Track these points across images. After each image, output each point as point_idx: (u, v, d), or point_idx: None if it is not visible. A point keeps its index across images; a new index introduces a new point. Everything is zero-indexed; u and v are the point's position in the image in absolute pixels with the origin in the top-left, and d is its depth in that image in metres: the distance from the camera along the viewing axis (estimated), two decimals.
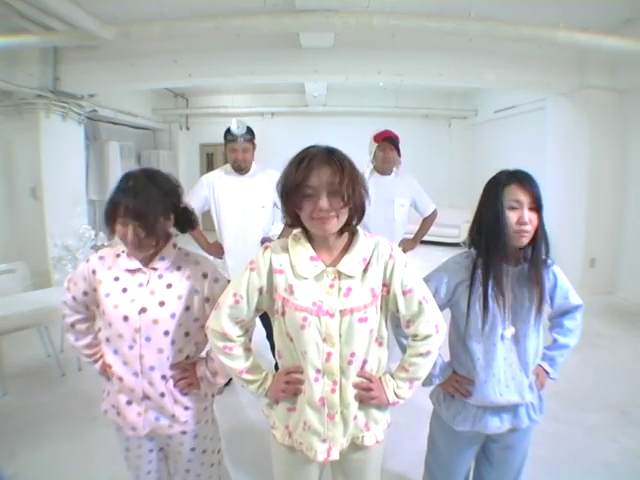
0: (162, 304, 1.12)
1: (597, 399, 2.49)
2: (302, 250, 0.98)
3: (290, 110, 8.00)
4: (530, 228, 1.11)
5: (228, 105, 7.96)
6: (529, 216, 1.11)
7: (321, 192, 0.91)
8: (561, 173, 4.86)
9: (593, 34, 3.49)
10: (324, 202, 0.91)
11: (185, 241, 1.34)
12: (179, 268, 1.16)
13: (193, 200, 2.35)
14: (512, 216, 1.11)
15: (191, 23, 3.43)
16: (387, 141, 2.45)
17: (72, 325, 1.24)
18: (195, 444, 1.24)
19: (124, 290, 1.13)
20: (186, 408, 1.19)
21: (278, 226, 2.55)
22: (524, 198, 1.11)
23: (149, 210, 1.05)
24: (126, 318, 1.11)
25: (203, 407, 1.24)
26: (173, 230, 1.19)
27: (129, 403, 1.16)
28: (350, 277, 0.97)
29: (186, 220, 1.20)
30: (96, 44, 3.96)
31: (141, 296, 1.12)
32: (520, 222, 1.10)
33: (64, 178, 4.59)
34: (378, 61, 4.40)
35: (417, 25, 3.40)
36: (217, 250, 2.45)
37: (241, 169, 2.39)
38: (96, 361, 1.26)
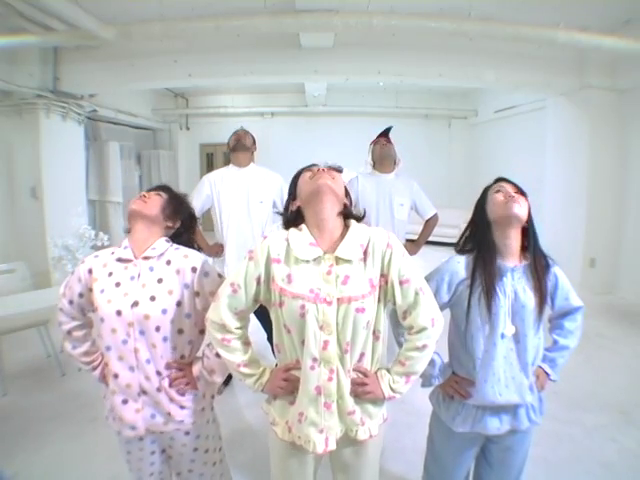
0: (153, 299, 1.13)
1: (597, 399, 2.49)
2: (302, 237, 1.03)
3: (290, 110, 8.00)
4: (517, 197, 1.17)
5: (228, 105, 7.95)
6: (516, 195, 1.18)
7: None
8: (561, 173, 4.84)
9: (593, 34, 3.48)
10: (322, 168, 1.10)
11: None
12: (169, 262, 1.17)
13: (195, 198, 2.40)
14: (498, 196, 1.20)
15: (191, 23, 3.43)
16: (380, 136, 2.56)
17: (69, 332, 1.24)
18: (197, 444, 1.25)
19: (117, 284, 1.14)
20: (182, 407, 1.19)
21: (278, 226, 2.56)
22: (507, 185, 1.22)
23: (171, 192, 1.29)
24: (119, 312, 1.12)
25: (200, 408, 1.23)
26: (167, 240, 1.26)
27: (125, 402, 1.16)
28: (347, 261, 0.99)
29: (183, 233, 1.32)
30: (96, 44, 3.95)
31: (133, 289, 1.13)
32: (506, 195, 1.18)
33: (64, 178, 4.59)
34: (378, 61, 4.39)
35: (417, 25, 3.41)
36: (217, 251, 2.48)
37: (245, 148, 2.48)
38: (95, 368, 1.26)
